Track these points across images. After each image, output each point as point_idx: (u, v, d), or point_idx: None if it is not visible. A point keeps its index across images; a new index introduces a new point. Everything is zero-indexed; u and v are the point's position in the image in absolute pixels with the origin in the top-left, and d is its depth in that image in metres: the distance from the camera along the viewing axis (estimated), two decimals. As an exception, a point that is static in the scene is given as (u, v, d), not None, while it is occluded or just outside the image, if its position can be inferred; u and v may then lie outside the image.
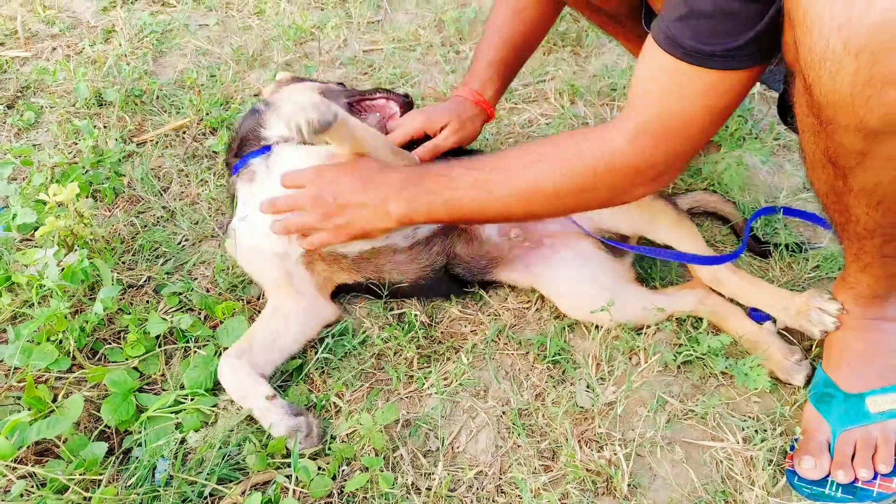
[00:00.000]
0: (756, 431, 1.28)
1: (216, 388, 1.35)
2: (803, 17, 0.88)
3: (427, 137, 1.59)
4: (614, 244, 1.50)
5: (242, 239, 1.46)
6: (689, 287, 1.52)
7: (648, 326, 1.44)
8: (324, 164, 1.38)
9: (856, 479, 1.18)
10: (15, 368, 1.30)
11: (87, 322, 1.37)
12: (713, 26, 0.99)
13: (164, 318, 1.41)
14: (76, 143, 1.91)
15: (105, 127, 1.97)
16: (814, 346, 1.42)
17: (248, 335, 1.39)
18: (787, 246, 1.60)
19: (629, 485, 1.20)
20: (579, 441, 1.28)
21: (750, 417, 1.31)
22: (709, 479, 1.22)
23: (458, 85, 1.80)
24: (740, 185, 1.72)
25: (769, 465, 1.22)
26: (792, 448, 1.25)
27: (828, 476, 1.20)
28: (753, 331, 1.42)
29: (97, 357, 1.41)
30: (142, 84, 2.08)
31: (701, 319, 1.46)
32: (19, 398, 1.29)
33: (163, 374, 1.37)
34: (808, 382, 1.34)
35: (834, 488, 1.19)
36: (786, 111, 1.24)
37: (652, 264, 1.61)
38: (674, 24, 1.03)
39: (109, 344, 1.43)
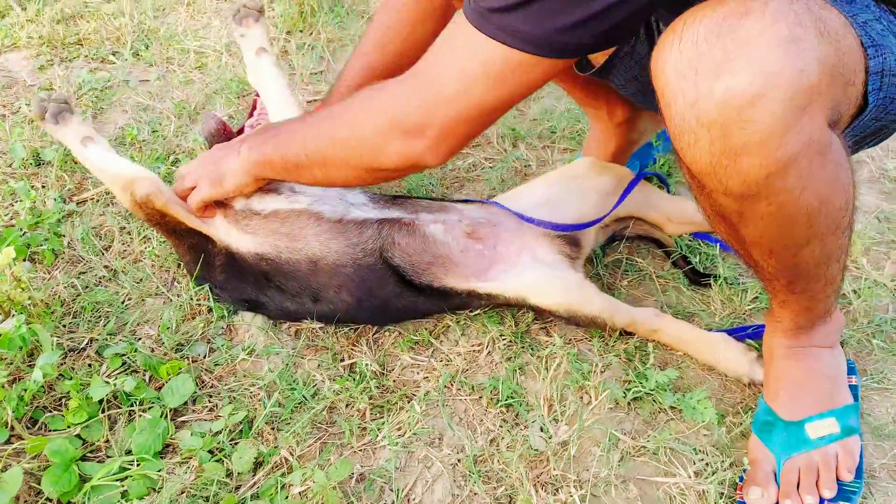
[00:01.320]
0: (707, 465, 1.30)
1: (164, 452, 1.32)
2: (663, 94, 0.94)
3: None
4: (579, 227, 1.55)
5: None
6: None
7: (596, 365, 1.46)
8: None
9: (803, 506, 1.21)
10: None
11: (25, 390, 1.32)
12: None
13: (106, 382, 1.37)
14: (13, 205, 1.87)
15: (43, 187, 1.93)
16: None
17: None
18: (725, 279, 1.65)
19: (585, 526, 1.21)
20: (535, 485, 1.28)
21: (700, 451, 1.33)
22: (662, 516, 1.24)
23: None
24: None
25: (720, 497, 1.24)
26: (741, 479, 1.27)
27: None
28: (707, 337, 1.48)
29: (37, 426, 1.36)
30: (81, 142, 2.05)
31: (648, 354, 1.49)
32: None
33: (107, 441, 1.33)
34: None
35: (783, 516, 1.21)
36: None
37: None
38: None
39: (50, 412, 1.38)
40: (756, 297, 1.64)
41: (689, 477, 1.29)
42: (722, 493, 1.25)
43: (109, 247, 1.78)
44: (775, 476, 1.25)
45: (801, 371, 1.31)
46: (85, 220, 1.83)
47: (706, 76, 0.87)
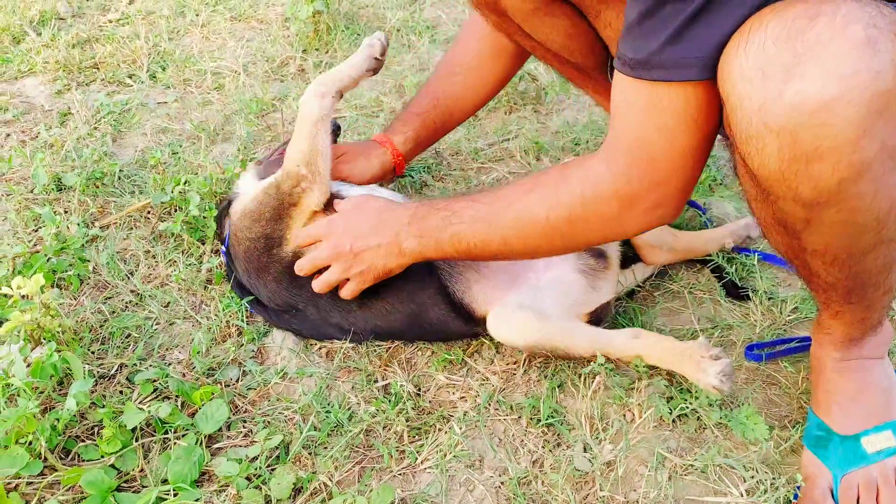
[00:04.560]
0: (758, 482, 1.27)
1: (200, 480, 1.29)
2: (728, 97, 0.92)
3: None
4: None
5: None
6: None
7: (640, 379, 1.42)
8: (332, 214, 1.48)
9: (863, 525, 1.17)
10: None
11: (58, 420, 1.29)
12: (639, 33, 0.98)
13: (140, 409, 1.34)
14: (37, 231, 1.85)
15: (66, 212, 1.92)
16: (801, 384, 1.42)
17: None
18: (764, 291, 1.62)
19: (638, 550, 1.17)
20: (582, 507, 1.24)
21: (750, 468, 1.29)
22: (718, 537, 1.20)
23: None
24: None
25: (775, 516, 1.21)
26: (795, 497, 1.23)
27: (835, 522, 1.19)
28: (680, 348, 1.36)
29: (70, 456, 1.33)
30: (102, 166, 2.03)
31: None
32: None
33: (142, 470, 1.30)
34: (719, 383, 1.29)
35: (842, 534, 1.17)
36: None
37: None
38: (621, 41, 1.03)
39: (83, 441, 1.35)
40: (796, 308, 1.60)
41: (741, 495, 1.25)
42: (776, 513, 1.21)
43: (135, 271, 1.76)
44: (832, 493, 1.21)
45: (854, 384, 1.28)
46: (109, 245, 1.81)
47: (775, 79, 0.84)
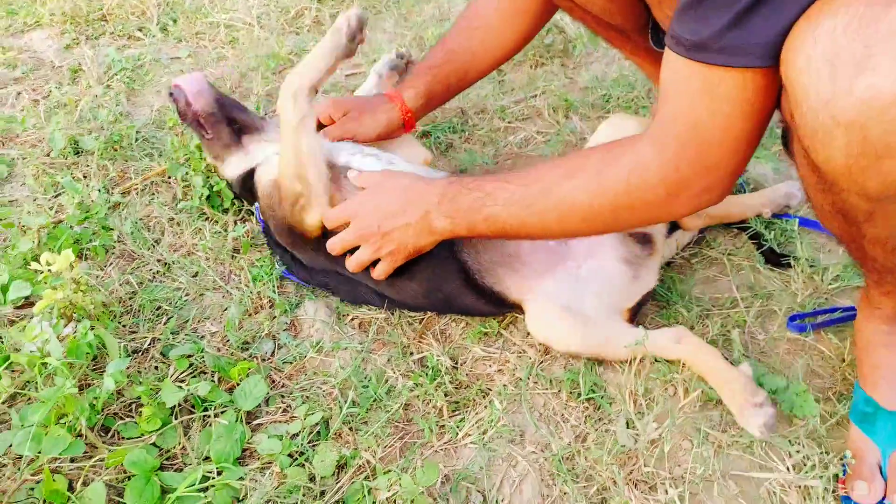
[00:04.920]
0: (804, 458, 1.25)
1: (242, 458, 1.28)
2: (793, 87, 0.86)
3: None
4: None
5: None
6: (669, 328, 1.44)
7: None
8: (359, 196, 1.41)
9: (912, 501, 1.17)
10: (19, 457, 1.22)
11: (96, 399, 1.28)
12: (698, 15, 0.93)
13: (179, 387, 1.33)
14: (57, 197, 1.81)
15: (85, 177, 1.87)
16: (846, 356, 1.40)
17: None
18: (806, 259, 1.58)
19: (687, 528, 1.17)
20: (627, 483, 1.24)
21: (795, 442, 1.28)
22: (766, 514, 1.19)
23: None
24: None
25: (825, 493, 1.20)
26: (844, 472, 1.22)
27: (884, 499, 1.18)
28: (723, 369, 1.33)
29: (109, 434, 1.32)
30: (119, 128, 1.97)
31: (731, 342, 1.43)
32: (32, 489, 1.20)
33: (183, 448, 1.29)
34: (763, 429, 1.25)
35: (892, 512, 1.17)
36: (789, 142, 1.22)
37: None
38: (676, 21, 0.97)
39: (121, 418, 1.34)
40: (837, 276, 1.57)
41: (788, 471, 1.24)
42: (826, 489, 1.21)
43: (160, 240, 1.72)
44: (881, 469, 1.20)
45: (900, 358, 1.25)
46: (132, 212, 1.77)
47: (844, 72, 0.79)
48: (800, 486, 1.22)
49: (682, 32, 0.95)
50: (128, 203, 1.80)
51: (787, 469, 1.24)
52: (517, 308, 1.46)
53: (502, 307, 1.47)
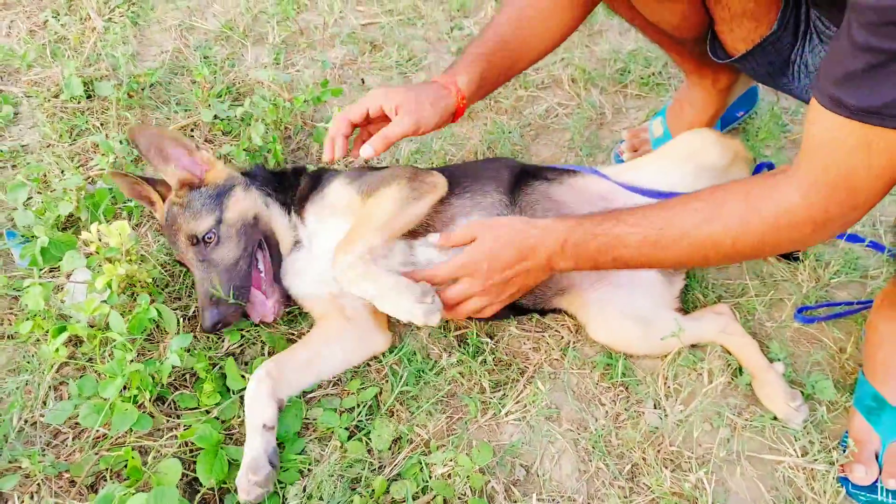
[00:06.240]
0: (810, 442, 1.41)
1: (301, 432, 1.34)
2: None
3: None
4: None
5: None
6: (714, 312, 1.58)
7: (712, 348, 1.52)
8: (470, 252, 1.33)
9: (904, 486, 1.34)
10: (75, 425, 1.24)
11: (157, 373, 1.30)
12: (872, 85, 1.00)
13: (242, 376, 1.36)
14: (73, 143, 1.74)
15: (102, 125, 1.80)
16: (847, 348, 1.55)
17: (290, 352, 1.40)
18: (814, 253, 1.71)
19: (711, 505, 1.31)
20: (657, 462, 1.36)
21: (802, 428, 1.43)
22: (778, 493, 1.34)
23: None
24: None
25: (824, 476, 1.35)
26: (843, 446, 1.38)
27: (877, 482, 1.35)
28: (763, 367, 1.48)
29: (166, 404, 1.36)
30: (134, 73, 1.90)
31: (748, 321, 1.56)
32: (97, 461, 1.24)
33: (241, 420, 1.34)
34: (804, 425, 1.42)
35: (885, 494, 1.33)
36: None
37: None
38: (836, 88, 1.05)
39: (175, 389, 1.37)
40: (838, 271, 1.70)
41: (796, 454, 1.39)
42: (828, 472, 1.36)
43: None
44: (877, 456, 1.37)
45: (909, 358, 1.40)
46: (158, 167, 1.73)
47: None
48: (806, 469, 1.37)
49: (847, 97, 1.01)
50: (151, 157, 1.76)
51: (796, 453, 1.39)
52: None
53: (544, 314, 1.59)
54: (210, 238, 1.40)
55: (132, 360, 1.26)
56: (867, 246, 1.74)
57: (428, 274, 1.34)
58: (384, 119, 1.44)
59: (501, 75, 1.63)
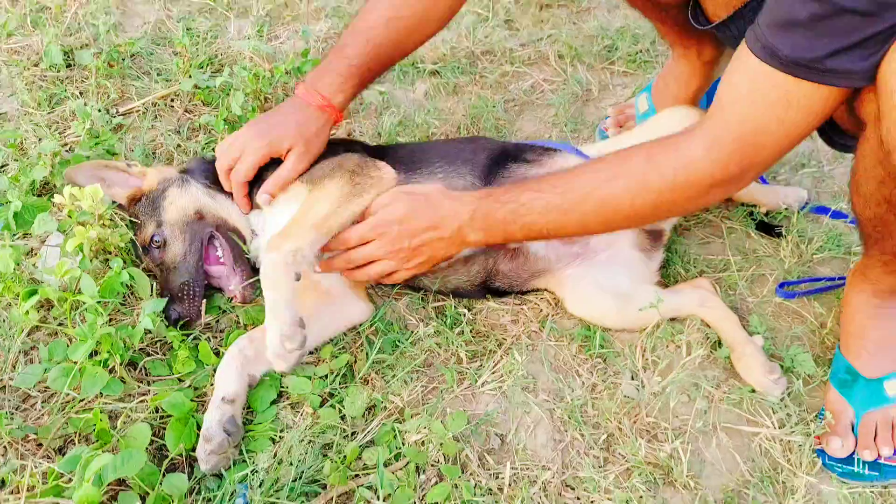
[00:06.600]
0: (787, 415, 1.40)
1: (278, 400, 1.33)
2: (891, 92, 0.94)
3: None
4: None
5: None
6: (693, 286, 1.58)
7: (692, 321, 1.51)
8: (381, 215, 1.35)
9: (879, 457, 1.33)
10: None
11: (129, 337, 1.29)
12: (810, 36, 0.99)
13: (216, 353, 1.36)
14: (52, 111, 1.73)
15: (82, 94, 1.79)
16: (828, 323, 1.54)
17: (264, 328, 1.36)
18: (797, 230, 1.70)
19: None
20: (633, 432, 1.36)
21: (780, 401, 1.42)
22: (754, 464, 1.33)
23: (303, 78, 1.57)
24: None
25: (800, 448, 1.34)
26: (820, 418, 1.37)
27: (853, 454, 1.34)
28: (742, 340, 1.47)
29: (137, 370, 1.35)
30: (115, 43, 1.88)
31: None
32: (66, 424, 1.23)
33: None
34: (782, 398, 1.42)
35: (861, 466, 1.33)
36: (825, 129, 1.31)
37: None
38: (772, 34, 1.03)
39: (147, 355, 1.36)
40: (821, 247, 1.69)
41: (773, 426, 1.38)
42: (801, 445, 1.35)
43: (168, 165, 1.69)
44: (853, 428, 1.36)
45: (884, 331, 1.39)
46: (136, 135, 1.72)
47: None
48: (783, 441, 1.36)
49: (782, 47, 0.99)
50: (130, 125, 1.75)
51: (773, 425, 1.39)
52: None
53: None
54: (157, 241, 1.42)
55: (104, 324, 1.25)
56: (850, 223, 1.73)
57: (342, 237, 1.36)
58: None
59: (373, 80, 1.57)
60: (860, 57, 0.95)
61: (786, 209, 1.75)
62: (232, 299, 1.46)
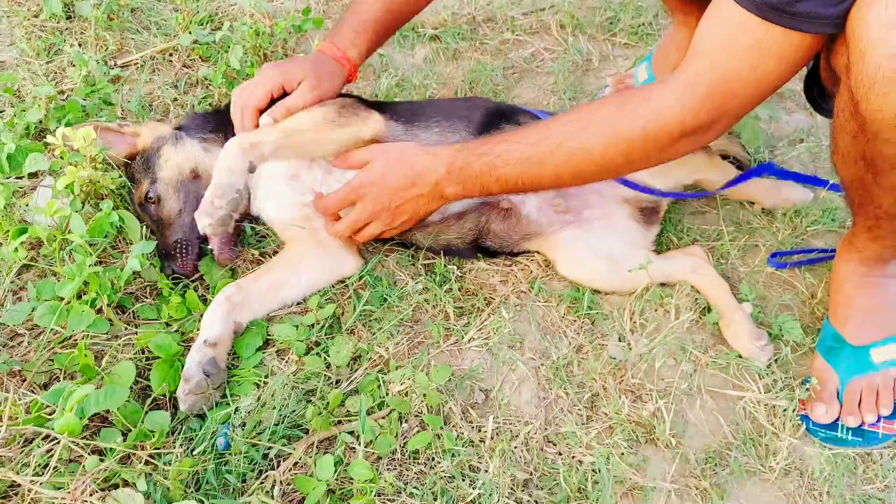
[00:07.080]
0: (774, 381, 1.40)
1: (262, 347, 1.34)
2: (859, 39, 0.93)
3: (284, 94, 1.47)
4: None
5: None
6: (686, 253, 1.58)
7: (681, 286, 1.51)
8: (360, 176, 1.35)
9: (862, 423, 1.33)
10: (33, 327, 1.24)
11: (117, 278, 1.30)
12: None
13: (203, 300, 1.37)
14: (50, 62, 1.73)
15: (81, 46, 1.79)
16: (818, 293, 1.54)
17: (253, 277, 1.41)
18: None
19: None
20: (617, 392, 1.36)
21: (767, 367, 1.42)
22: (738, 427, 1.33)
23: (324, 38, 1.60)
24: (749, 138, 1.78)
25: (784, 412, 1.34)
26: (806, 385, 1.37)
27: (837, 420, 1.34)
28: (731, 307, 1.47)
29: (126, 314, 1.35)
30: (118, -2, 1.88)
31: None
32: (52, 360, 1.23)
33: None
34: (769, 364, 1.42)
35: (844, 432, 1.33)
36: (811, 87, 1.30)
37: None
38: None
39: (137, 300, 1.37)
40: (815, 221, 1.69)
41: (759, 391, 1.38)
42: (785, 409, 1.35)
43: (163, 120, 1.69)
44: (838, 395, 1.36)
45: (871, 299, 1.39)
46: (134, 87, 1.72)
47: None
48: (767, 405, 1.36)
49: None
50: (127, 78, 1.75)
51: (758, 390, 1.39)
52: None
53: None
54: (151, 198, 1.42)
55: (92, 265, 1.25)
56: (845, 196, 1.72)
57: (323, 204, 1.37)
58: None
59: (387, 36, 1.61)
60: (830, 2, 0.95)
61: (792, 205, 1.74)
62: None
